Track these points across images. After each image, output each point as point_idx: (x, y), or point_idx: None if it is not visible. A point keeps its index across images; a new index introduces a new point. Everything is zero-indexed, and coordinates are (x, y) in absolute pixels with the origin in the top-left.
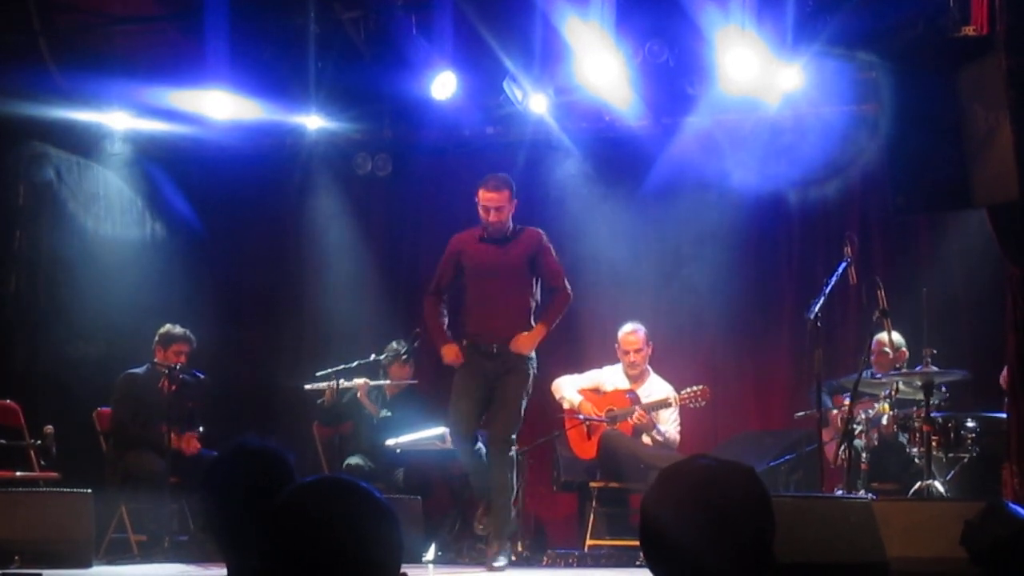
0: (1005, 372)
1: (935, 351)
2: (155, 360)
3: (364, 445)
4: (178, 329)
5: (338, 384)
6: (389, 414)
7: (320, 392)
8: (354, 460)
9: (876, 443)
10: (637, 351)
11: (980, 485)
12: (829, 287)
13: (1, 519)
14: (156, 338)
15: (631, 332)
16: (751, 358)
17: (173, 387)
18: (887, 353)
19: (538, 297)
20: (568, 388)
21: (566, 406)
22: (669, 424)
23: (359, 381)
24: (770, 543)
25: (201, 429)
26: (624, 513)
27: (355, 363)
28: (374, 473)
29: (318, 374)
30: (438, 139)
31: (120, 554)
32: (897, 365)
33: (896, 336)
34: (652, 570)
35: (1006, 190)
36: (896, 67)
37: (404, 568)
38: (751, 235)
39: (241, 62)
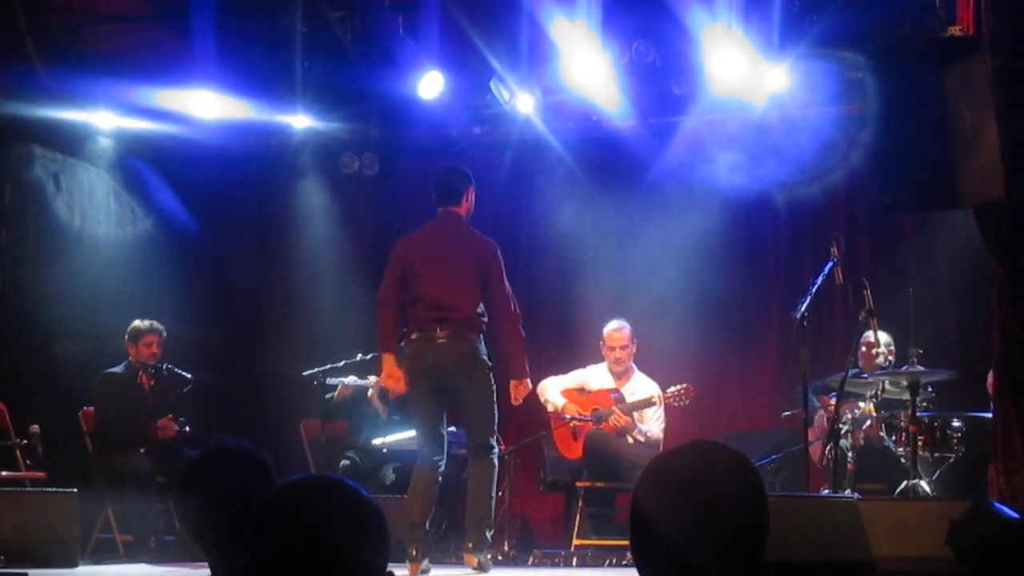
0: (992, 376)
1: (921, 351)
2: (129, 357)
3: (359, 443)
4: (144, 322)
5: (354, 384)
6: (397, 418)
7: (325, 386)
8: (346, 462)
9: (862, 443)
10: (623, 347)
11: (966, 485)
12: (816, 287)
13: None
14: (125, 336)
15: (616, 329)
16: (738, 358)
17: (152, 382)
18: (879, 353)
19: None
20: (553, 391)
21: (551, 409)
22: (653, 423)
23: (372, 379)
24: (760, 539)
25: (182, 420)
26: (610, 513)
27: (342, 362)
28: (368, 475)
29: (304, 373)
30: (425, 139)
31: (106, 554)
32: (885, 364)
33: (884, 335)
34: (637, 560)
35: (992, 189)
36: (882, 67)
37: (391, 567)
38: (738, 235)
39: (228, 61)
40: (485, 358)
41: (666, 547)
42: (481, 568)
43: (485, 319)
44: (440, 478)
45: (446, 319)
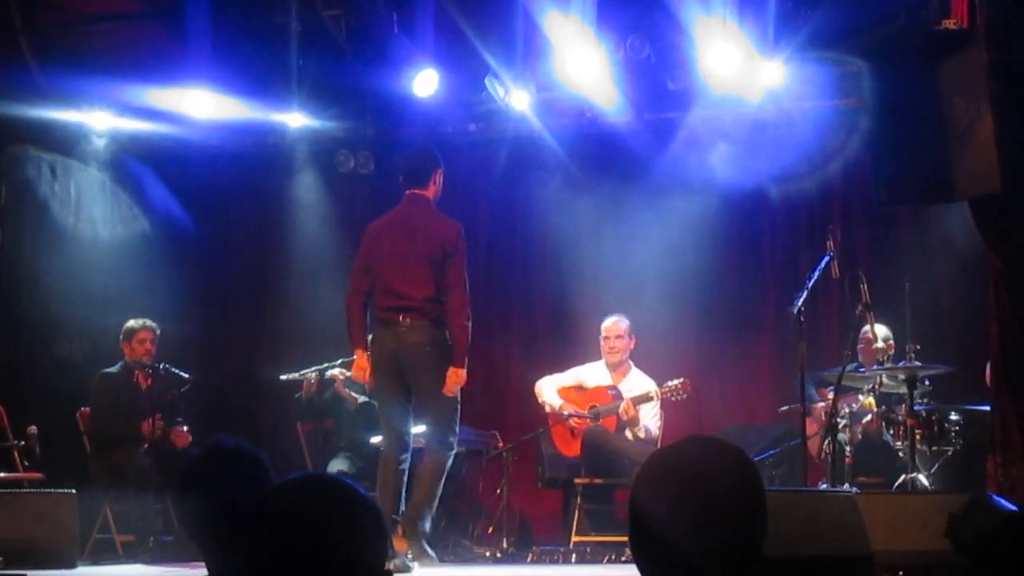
0: (989, 369)
1: (918, 346)
2: (125, 357)
3: (347, 442)
4: (137, 321)
5: (319, 376)
6: (367, 399)
7: (298, 386)
8: (338, 465)
9: (860, 437)
10: (617, 337)
11: (964, 478)
12: (812, 281)
13: None
14: (120, 336)
15: (614, 322)
16: (735, 352)
17: (149, 381)
18: (876, 347)
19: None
20: (549, 392)
21: (547, 410)
22: (649, 420)
23: (336, 372)
24: (759, 535)
25: (181, 420)
26: (609, 510)
27: (339, 361)
28: (361, 473)
29: (282, 377)
30: (420, 136)
31: (105, 554)
32: (884, 358)
33: (884, 329)
34: (636, 556)
35: (988, 182)
36: (877, 61)
37: (389, 565)
38: (734, 229)
39: (223, 60)
40: (445, 349)
41: (665, 543)
42: (412, 555)
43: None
44: (404, 468)
45: (406, 308)
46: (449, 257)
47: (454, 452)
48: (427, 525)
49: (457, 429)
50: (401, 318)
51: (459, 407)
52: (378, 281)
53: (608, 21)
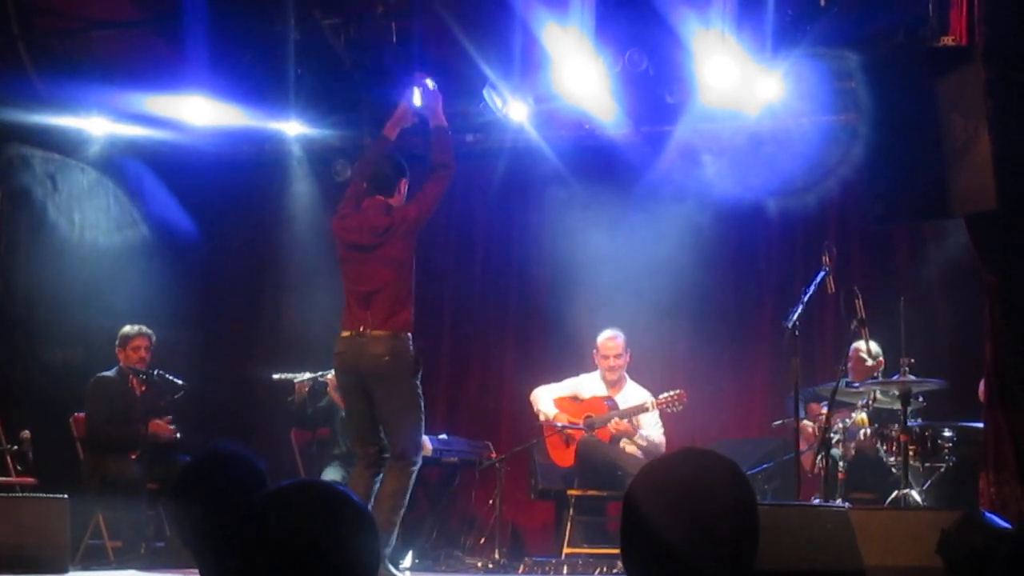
0: (983, 384)
1: (912, 360)
2: (119, 362)
3: (341, 451)
4: (133, 327)
5: (312, 382)
6: None
7: (290, 388)
8: (331, 474)
9: (853, 452)
10: (616, 356)
11: (957, 494)
12: (807, 296)
13: None
14: (116, 341)
15: (611, 338)
16: (729, 367)
17: (144, 387)
18: (864, 361)
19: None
20: (544, 400)
21: (542, 418)
22: (652, 428)
23: (331, 376)
24: (751, 550)
25: (173, 427)
26: (602, 521)
27: (331, 370)
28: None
29: (275, 376)
30: (417, 146)
31: (96, 560)
32: (874, 374)
33: (873, 345)
34: (628, 569)
35: (984, 200)
36: (875, 77)
37: (380, 572)
38: (730, 244)
39: (221, 68)
40: (407, 360)
41: (657, 556)
42: None
43: (410, 312)
44: (377, 476)
45: (365, 318)
46: (406, 219)
47: (417, 467)
48: (389, 551)
49: (420, 441)
50: (362, 329)
51: (422, 420)
52: (346, 286)
53: (607, 34)
